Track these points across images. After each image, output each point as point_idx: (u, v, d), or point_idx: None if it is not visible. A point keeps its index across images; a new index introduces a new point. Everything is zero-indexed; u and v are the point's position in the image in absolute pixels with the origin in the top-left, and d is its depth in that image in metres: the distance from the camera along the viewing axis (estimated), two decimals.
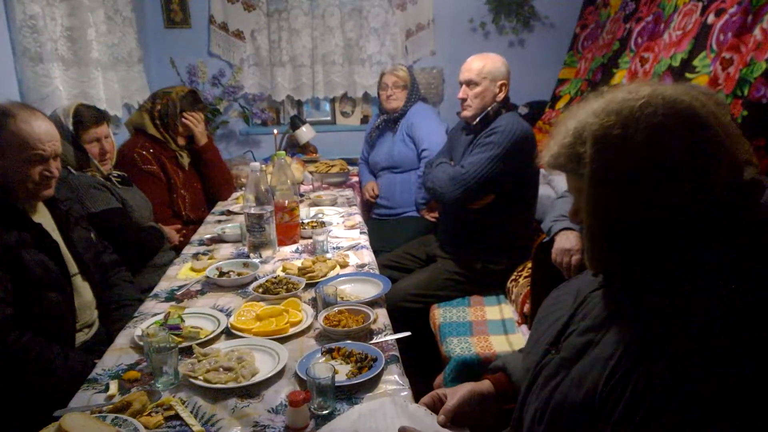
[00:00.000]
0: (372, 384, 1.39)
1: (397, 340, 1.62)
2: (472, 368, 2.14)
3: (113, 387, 1.41)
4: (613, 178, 0.93)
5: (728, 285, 0.87)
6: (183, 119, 3.03)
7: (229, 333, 1.67)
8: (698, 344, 0.83)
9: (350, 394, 1.36)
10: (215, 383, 1.37)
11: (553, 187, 3.08)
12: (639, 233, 0.94)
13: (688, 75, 2.69)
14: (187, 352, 1.54)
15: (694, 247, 0.91)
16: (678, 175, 0.90)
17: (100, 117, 2.52)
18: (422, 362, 2.29)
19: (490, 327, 2.38)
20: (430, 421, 1.17)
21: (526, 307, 2.32)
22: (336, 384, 1.31)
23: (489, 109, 2.55)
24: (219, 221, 2.90)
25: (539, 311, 1.25)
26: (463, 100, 2.60)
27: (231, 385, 1.37)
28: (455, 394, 1.25)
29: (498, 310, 2.52)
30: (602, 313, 1.01)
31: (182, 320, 1.68)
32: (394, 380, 1.41)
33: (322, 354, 1.52)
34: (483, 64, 2.56)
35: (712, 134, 0.91)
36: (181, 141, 3.09)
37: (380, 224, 3.51)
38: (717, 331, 0.83)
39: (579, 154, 0.96)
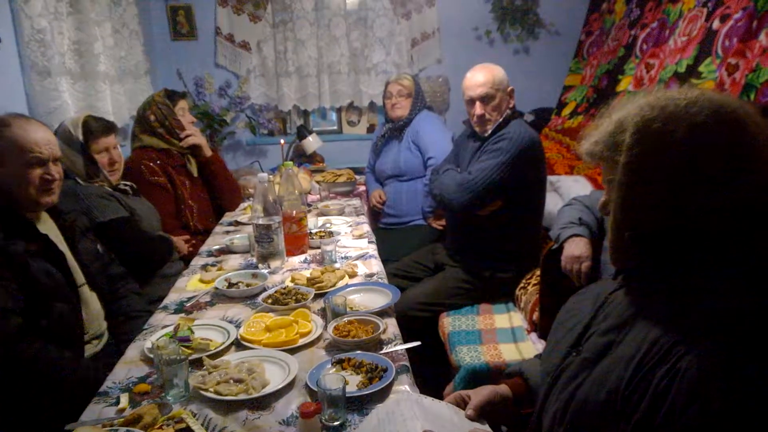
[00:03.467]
0: (383, 394, 1.38)
1: (407, 349, 1.62)
2: (482, 377, 2.13)
3: (124, 400, 1.41)
4: (647, 170, 0.93)
5: (753, 286, 0.87)
6: (185, 132, 3.03)
7: (238, 344, 1.67)
8: (722, 344, 0.83)
9: (361, 405, 1.35)
10: (226, 395, 1.37)
11: (561, 194, 3.07)
12: (664, 230, 0.94)
13: (693, 81, 2.69)
14: (198, 364, 1.54)
15: (720, 249, 0.91)
16: (711, 177, 0.90)
17: (109, 127, 2.54)
18: (432, 371, 2.28)
19: (500, 335, 2.37)
20: (450, 414, 1.16)
21: (536, 315, 2.31)
22: (347, 395, 1.31)
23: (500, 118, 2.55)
24: (227, 232, 2.91)
25: (558, 316, 1.24)
26: (481, 116, 2.53)
27: (242, 397, 1.37)
28: (479, 393, 1.26)
29: (507, 318, 2.51)
30: (624, 313, 1.01)
31: (192, 332, 1.68)
32: (404, 390, 1.41)
33: (332, 365, 1.51)
34: (491, 75, 2.51)
35: (751, 142, 0.91)
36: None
37: (387, 233, 3.51)
38: (741, 331, 0.83)
39: (618, 143, 0.97)
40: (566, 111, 4.03)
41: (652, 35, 3.28)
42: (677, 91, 0.97)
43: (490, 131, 2.56)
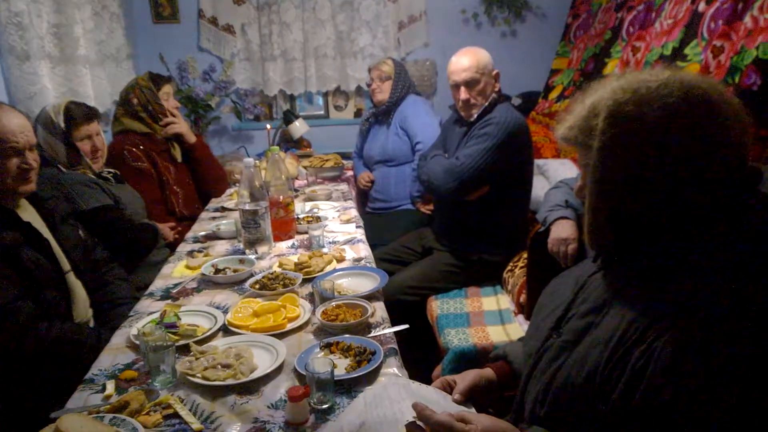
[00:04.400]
0: (371, 377, 1.39)
1: (395, 332, 1.62)
2: (470, 359, 2.15)
3: (110, 387, 1.40)
4: (621, 153, 0.94)
5: (727, 267, 0.88)
6: (166, 119, 2.99)
7: (226, 330, 1.66)
8: (697, 324, 0.84)
9: (350, 387, 1.35)
10: (214, 380, 1.36)
11: (547, 178, 3.08)
12: (639, 212, 0.95)
13: (679, 63, 2.69)
14: (185, 350, 1.53)
15: (695, 230, 0.92)
16: (683, 158, 0.90)
17: (91, 114, 2.51)
18: (420, 354, 2.29)
19: (487, 318, 2.38)
20: (437, 398, 1.16)
21: (523, 297, 2.32)
22: (335, 378, 1.31)
23: (486, 103, 2.54)
24: (213, 218, 2.88)
25: (539, 299, 1.25)
26: (466, 101, 2.52)
27: (230, 381, 1.36)
28: (465, 378, 1.27)
29: (495, 301, 2.52)
30: (602, 296, 1.02)
31: (178, 318, 1.67)
32: (393, 373, 1.41)
33: (320, 349, 1.51)
34: (475, 59, 2.49)
35: (722, 122, 0.91)
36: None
37: (376, 218, 3.50)
38: (715, 311, 0.84)
39: (591, 127, 0.97)
40: (553, 94, 4.03)
41: (639, 18, 3.27)
42: (648, 73, 0.97)
43: (475, 116, 2.55)
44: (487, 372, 1.31)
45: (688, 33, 2.72)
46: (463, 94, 2.51)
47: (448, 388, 1.25)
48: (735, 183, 0.93)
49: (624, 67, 3.24)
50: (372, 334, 1.60)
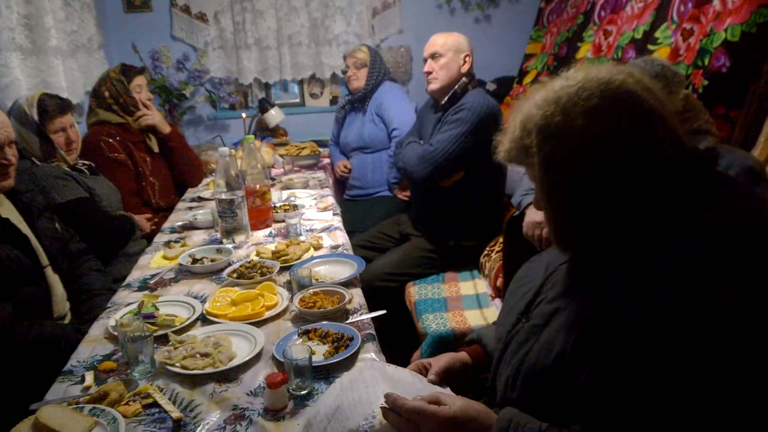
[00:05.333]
0: (349, 363, 1.41)
1: (374, 318, 1.64)
2: (448, 343, 2.18)
3: (89, 378, 1.40)
4: (560, 163, 0.97)
5: (687, 253, 0.90)
6: (138, 112, 2.96)
7: (204, 319, 1.67)
8: (661, 309, 0.87)
9: (328, 373, 1.37)
10: (192, 369, 1.37)
11: None
12: (595, 212, 0.98)
13: (650, 47, 2.73)
14: (163, 340, 1.54)
15: (652, 219, 0.94)
16: (620, 152, 0.93)
17: (65, 106, 2.48)
18: (399, 340, 2.32)
19: (465, 302, 2.42)
20: (412, 380, 1.18)
21: (499, 281, 2.35)
22: (313, 364, 1.33)
23: (456, 87, 2.56)
24: (190, 208, 2.87)
25: (511, 284, 1.28)
26: (429, 73, 2.62)
27: (208, 370, 1.37)
28: (439, 360, 1.29)
29: (472, 285, 2.55)
30: (570, 282, 1.05)
31: (156, 309, 1.67)
32: (370, 358, 1.43)
33: (298, 336, 1.53)
34: (445, 37, 2.61)
35: (646, 108, 0.94)
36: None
37: (353, 205, 3.51)
38: (678, 297, 0.86)
39: (527, 146, 1.00)
40: (527, 79, 4.06)
41: (610, 2, 3.30)
42: (564, 77, 1.00)
43: (437, 89, 2.60)
44: (462, 355, 1.33)
45: (658, 16, 2.76)
46: (426, 66, 2.63)
47: (424, 371, 1.27)
48: (685, 167, 0.95)
49: (596, 51, 3.27)
50: (349, 321, 1.62)
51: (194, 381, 1.36)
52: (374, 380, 1.09)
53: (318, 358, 1.40)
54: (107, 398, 1.28)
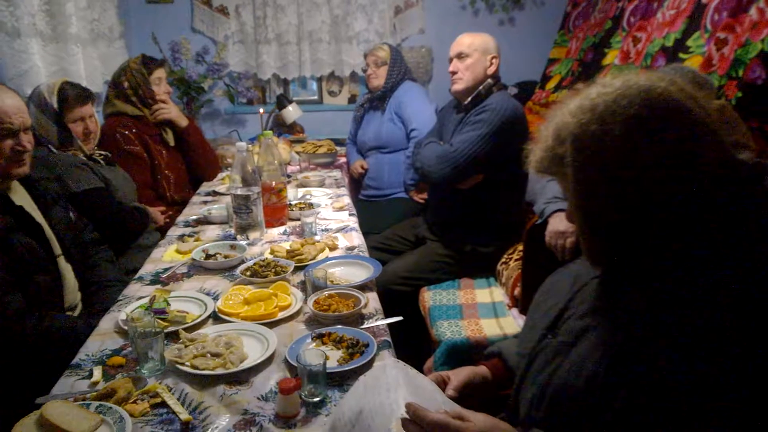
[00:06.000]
0: (364, 370, 1.35)
1: (388, 324, 1.59)
2: (463, 352, 2.13)
3: (97, 373, 1.37)
4: (595, 174, 0.91)
5: (730, 273, 0.85)
6: (155, 106, 2.93)
7: (216, 317, 1.63)
8: (702, 332, 0.82)
9: (342, 380, 1.32)
10: (203, 369, 1.33)
11: None
12: (631, 228, 0.92)
13: (681, 55, 2.66)
14: (174, 337, 1.50)
15: (693, 237, 0.89)
16: (661, 165, 0.87)
17: (86, 96, 2.46)
18: (412, 346, 2.27)
19: (481, 310, 2.36)
20: (431, 390, 1.14)
21: (517, 291, 2.30)
22: (327, 370, 1.28)
23: (480, 87, 2.51)
24: (205, 202, 2.84)
25: (535, 297, 1.23)
26: (454, 73, 2.56)
27: (219, 371, 1.33)
28: (459, 374, 1.25)
29: (488, 293, 2.49)
30: (602, 298, 1.00)
31: (168, 304, 1.64)
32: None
33: (312, 339, 1.48)
34: (472, 38, 2.56)
35: (692, 118, 0.88)
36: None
37: (368, 206, 3.47)
38: (721, 319, 0.82)
39: (560, 156, 0.94)
40: (550, 84, 3.99)
41: (640, 8, 3.23)
42: (601, 84, 0.94)
43: (461, 90, 2.54)
44: (482, 369, 1.28)
45: (691, 24, 2.68)
46: (452, 66, 2.57)
47: (442, 384, 1.23)
48: (728, 180, 0.89)
49: (624, 58, 3.20)
50: (365, 326, 1.57)
51: (204, 382, 1.32)
52: (396, 383, 1.04)
53: (332, 364, 1.35)
54: (115, 396, 1.24)
